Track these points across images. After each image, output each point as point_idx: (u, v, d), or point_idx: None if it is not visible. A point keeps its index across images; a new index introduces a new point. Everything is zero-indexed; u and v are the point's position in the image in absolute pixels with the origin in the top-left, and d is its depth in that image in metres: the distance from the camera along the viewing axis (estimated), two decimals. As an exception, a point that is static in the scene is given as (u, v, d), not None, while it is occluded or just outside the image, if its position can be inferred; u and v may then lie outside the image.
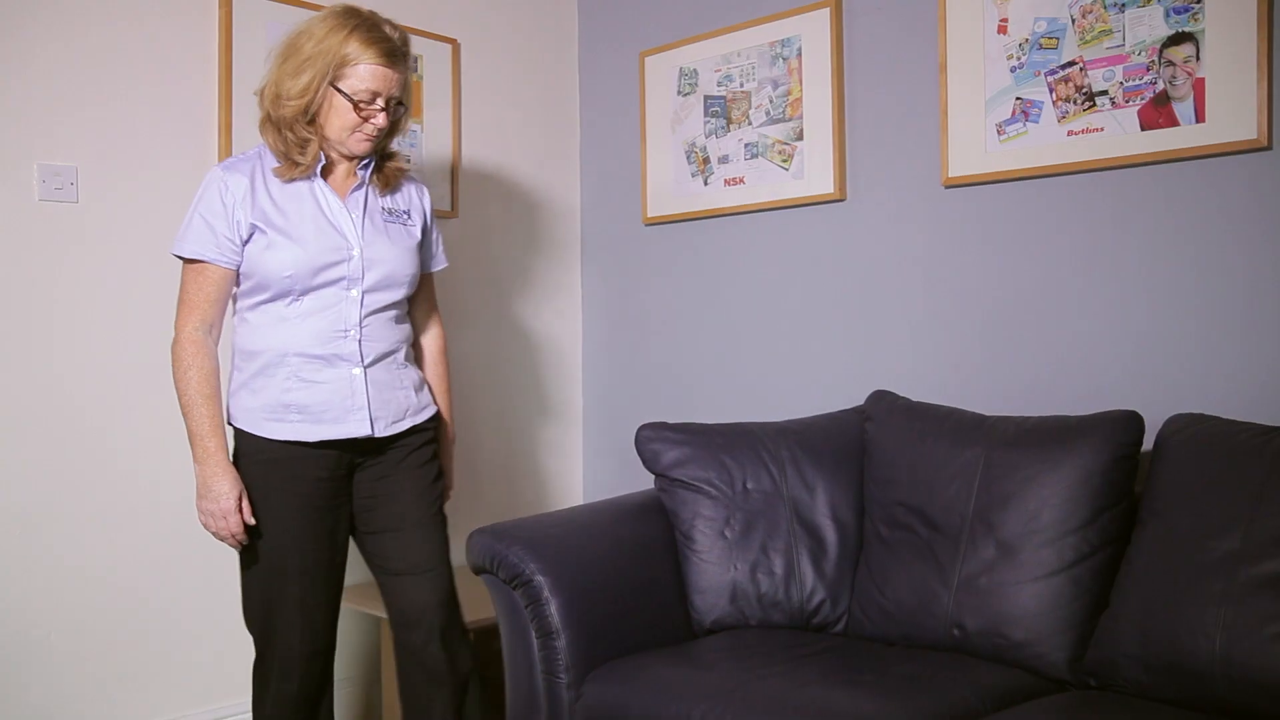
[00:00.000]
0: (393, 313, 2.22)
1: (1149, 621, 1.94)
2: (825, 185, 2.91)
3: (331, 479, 2.17)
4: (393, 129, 2.20)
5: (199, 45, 2.76)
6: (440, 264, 2.39)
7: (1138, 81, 2.36)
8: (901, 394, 2.60)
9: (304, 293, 2.12)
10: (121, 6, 2.64)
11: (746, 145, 3.09)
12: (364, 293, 2.15)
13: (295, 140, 2.11)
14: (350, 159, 2.18)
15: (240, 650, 2.85)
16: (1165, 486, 2.05)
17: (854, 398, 2.77)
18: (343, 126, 2.10)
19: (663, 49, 3.28)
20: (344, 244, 2.14)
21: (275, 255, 2.09)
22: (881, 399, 2.56)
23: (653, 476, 2.60)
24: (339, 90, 2.07)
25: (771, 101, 3.02)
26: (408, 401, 2.24)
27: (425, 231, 2.31)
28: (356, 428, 2.15)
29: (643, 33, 3.37)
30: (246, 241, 2.10)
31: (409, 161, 2.36)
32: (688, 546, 2.49)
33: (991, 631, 2.15)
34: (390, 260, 2.18)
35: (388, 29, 2.09)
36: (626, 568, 2.37)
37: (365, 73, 2.06)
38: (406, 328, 2.29)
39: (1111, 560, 2.12)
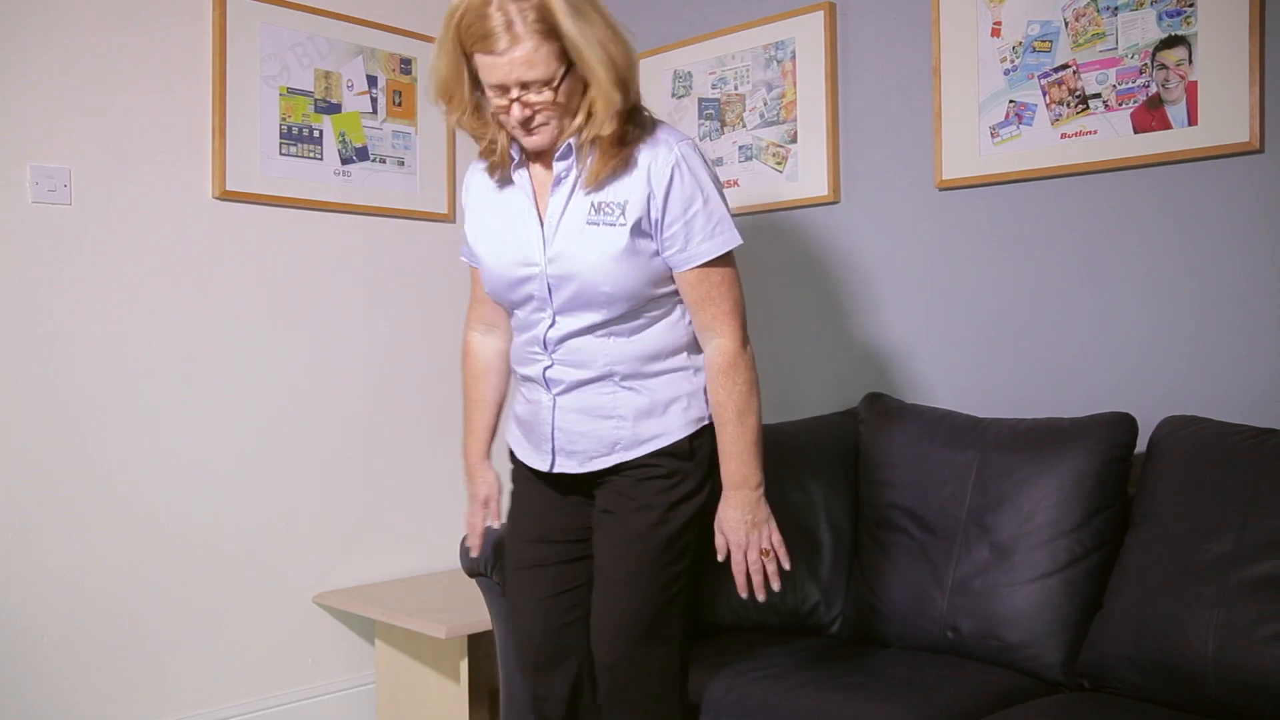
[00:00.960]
0: (606, 330, 1.81)
1: (1142, 623, 1.94)
2: (819, 187, 2.91)
3: (558, 502, 1.95)
4: (591, 109, 1.73)
5: (192, 47, 2.76)
6: (697, 258, 1.77)
7: (1131, 84, 2.37)
8: (895, 396, 2.60)
9: (512, 307, 1.90)
10: (115, 8, 2.63)
11: (741, 148, 3.09)
12: (556, 314, 1.82)
13: (480, 138, 1.84)
14: (539, 154, 1.82)
15: (233, 654, 2.85)
16: (1158, 488, 2.05)
17: (848, 400, 2.77)
18: (504, 125, 1.78)
19: (657, 51, 3.28)
20: (530, 257, 1.81)
21: (481, 266, 1.92)
22: (875, 401, 2.56)
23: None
24: (480, 86, 1.75)
25: (766, 104, 3.03)
26: (617, 434, 1.83)
27: (644, 225, 1.77)
28: (542, 461, 1.92)
29: (637, 35, 3.35)
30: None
31: (636, 138, 1.77)
32: (682, 549, 2.49)
33: (986, 633, 2.15)
34: (582, 274, 1.77)
35: (493, 7, 1.66)
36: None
37: (482, 65, 1.71)
38: (648, 340, 1.83)
39: (1105, 562, 2.12)
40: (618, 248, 1.76)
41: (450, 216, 3.26)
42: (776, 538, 1.85)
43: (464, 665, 2.72)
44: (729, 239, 1.80)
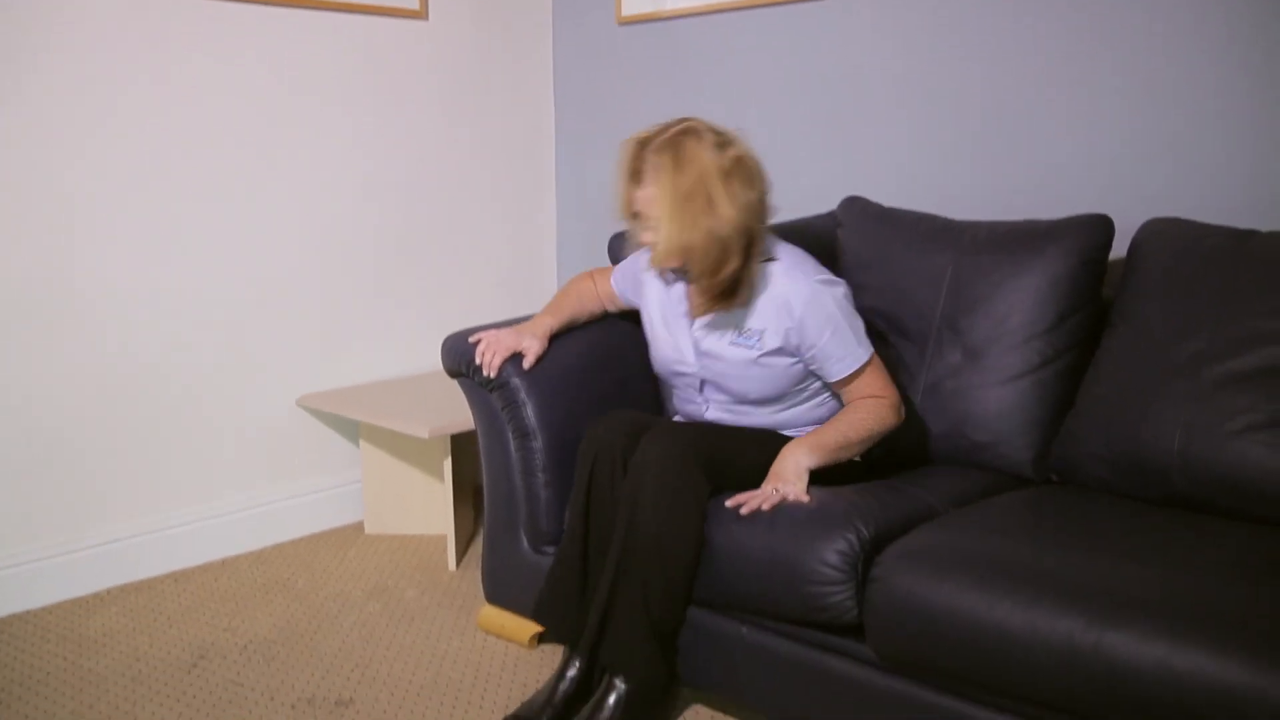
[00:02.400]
0: (753, 406, 2.17)
1: (1113, 420, 1.99)
2: (805, -17, 2.81)
3: None
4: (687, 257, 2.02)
5: None
6: (842, 371, 2.07)
7: None
8: (874, 199, 2.59)
9: (670, 380, 2.29)
10: None
11: (724, -61, 2.96)
12: (708, 399, 2.21)
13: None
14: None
15: (220, 456, 2.90)
16: (1137, 290, 2.07)
17: (827, 203, 2.75)
18: None
19: None
20: (685, 357, 2.19)
21: (650, 345, 2.29)
22: (853, 204, 2.54)
23: (627, 282, 2.60)
24: None
25: (751, -108, 2.88)
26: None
27: (785, 348, 2.08)
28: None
29: None
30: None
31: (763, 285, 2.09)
32: (662, 351, 2.52)
33: (956, 434, 2.21)
34: (729, 379, 2.15)
35: (632, 146, 2.04)
36: (604, 371, 2.39)
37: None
38: (789, 415, 2.18)
39: (1076, 363, 2.16)
40: (756, 363, 2.10)
41: (422, 13, 3.14)
42: (792, 499, 1.97)
43: (447, 464, 2.78)
44: (858, 358, 2.08)
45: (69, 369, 2.61)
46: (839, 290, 2.10)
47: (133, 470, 2.74)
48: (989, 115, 2.56)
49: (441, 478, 2.95)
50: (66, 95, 2.54)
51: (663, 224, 1.98)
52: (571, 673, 2.07)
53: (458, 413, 2.73)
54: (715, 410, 2.22)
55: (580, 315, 2.39)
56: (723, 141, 2.01)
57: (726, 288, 2.04)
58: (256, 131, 2.87)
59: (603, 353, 2.42)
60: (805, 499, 1.95)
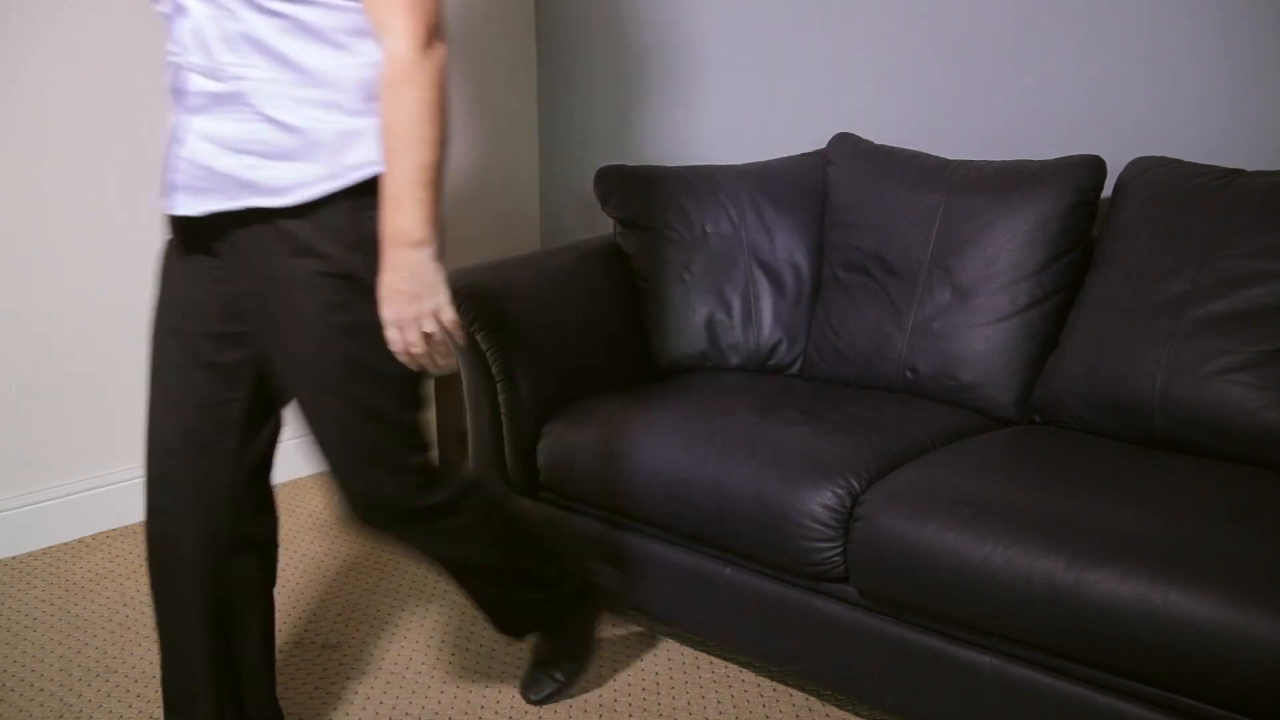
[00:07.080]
0: (262, 22, 1.40)
1: (1095, 361, 1.99)
2: (792, -86, 2.75)
3: (194, 278, 1.59)
4: None
5: None
6: None
7: None
8: (865, 136, 2.56)
9: None
10: None
11: None
12: None
13: None
14: None
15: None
16: (1122, 229, 2.05)
17: (816, 140, 2.72)
18: None
19: None
20: None
21: None
22: (844, 141, 2.51)
23: (611, 220, 2.58)
24: None
25: None
26: (233, 164, 1.44)
27: None
28: (164, 198, 1.51)
29: None
30: None
31: None
32: (647, 290, 2.50)
33: (942, 374, 2.20)
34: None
35: None
36: (586, 312, 2.38)
37: None
38: (302, 56, 1.41)
39: (1064, 305, 2.15)
40: None
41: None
42: (448, 316, 1.48)
43: (432, 409, 2.77)
44: None
45: (53, 314, 2.59)
46: None
47: (117, 415, 2.73)
48: (979, 49, 2.51)
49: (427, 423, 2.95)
50: (51, 36, 2.49)
51: None
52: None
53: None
54: (190, 67, 1.44)
55: None
56: None
57: None
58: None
59: (590, 292, 2.41)
60: (450, 318, 1.49)
